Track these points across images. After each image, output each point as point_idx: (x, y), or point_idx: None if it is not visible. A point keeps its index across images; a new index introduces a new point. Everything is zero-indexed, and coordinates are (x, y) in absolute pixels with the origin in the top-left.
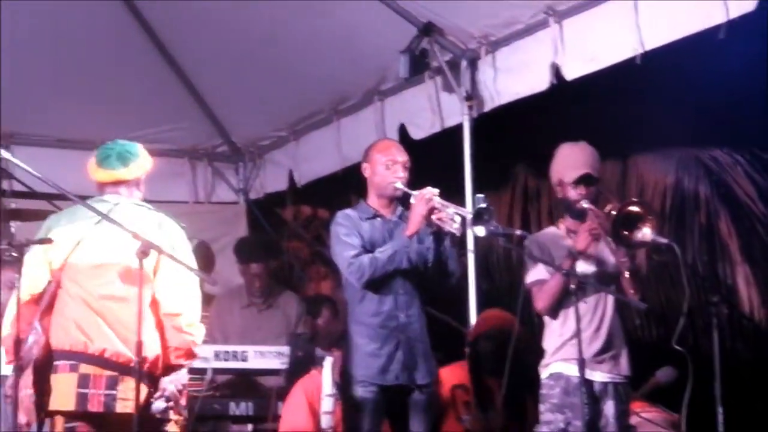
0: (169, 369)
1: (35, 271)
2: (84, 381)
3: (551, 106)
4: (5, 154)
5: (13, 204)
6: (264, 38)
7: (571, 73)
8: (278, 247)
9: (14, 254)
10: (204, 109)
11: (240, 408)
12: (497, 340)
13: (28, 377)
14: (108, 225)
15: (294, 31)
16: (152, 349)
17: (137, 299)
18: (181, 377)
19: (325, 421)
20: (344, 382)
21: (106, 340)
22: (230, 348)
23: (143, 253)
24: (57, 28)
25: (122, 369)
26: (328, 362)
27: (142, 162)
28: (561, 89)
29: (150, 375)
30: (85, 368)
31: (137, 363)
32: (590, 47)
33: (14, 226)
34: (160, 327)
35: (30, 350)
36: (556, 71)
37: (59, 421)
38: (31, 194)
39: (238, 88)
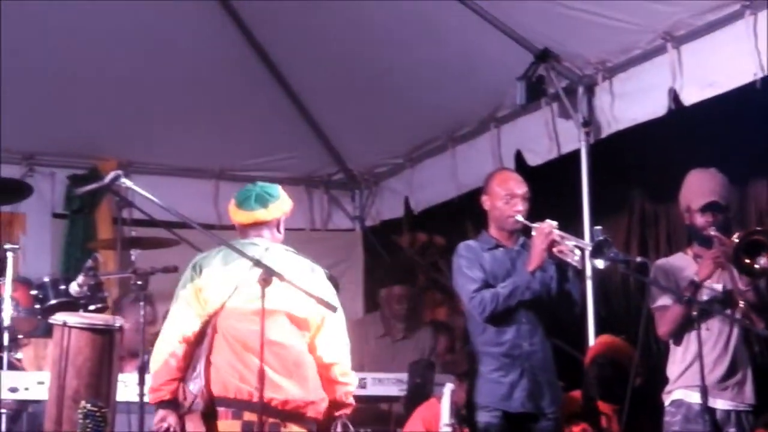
0: (330, 419)
1: (189, 311)
2: (247, 428)
3: (669, 132)
4: (127, 183)
5: (133, 232)
6: (380, 66)
7: (689, 99)
8: (415, 271)
9: (139, 283)
10: (320, 137)
11: None
12: (609, 365)
13: (198, 426)
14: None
15: (410, 59)
16: (315, 395)
17: (299, 345)
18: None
19: None
20: (469, 409)
21: (269, 387)
22: None
23: (265, 281)
24: (174, 59)
25: (285, 416)
26: (448, 390)
27: (281, 203)
28: (679, 115)
29: (312, 421)
30: (248, 416)
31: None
32: (709, 72)
33: (134, 254)
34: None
35: (195, 398)
36: (674, 97)
37: None
38: (151, 222)
39: (354, 116)
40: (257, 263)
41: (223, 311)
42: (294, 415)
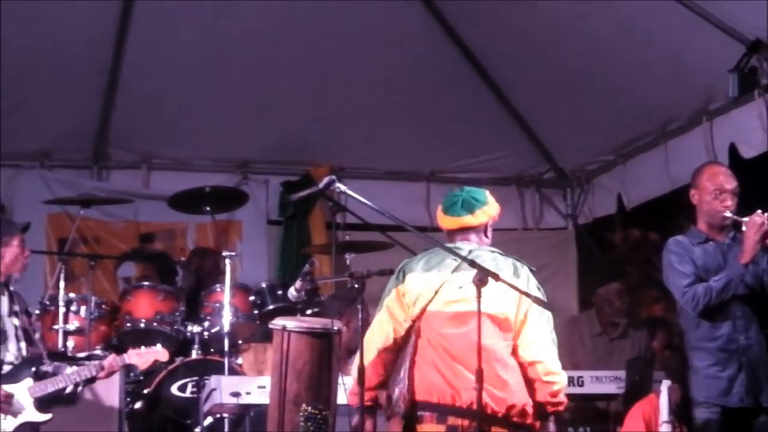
0: (542, 417)
1: (392, 318)
2: None
3: None
4: (342, 187)
5: (347, 236)
6: (588, 62)
7: None
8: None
9: (356, 285)
10: (529, 136)
11: None
12: None
13: (399, 429)
14: (466, 273)
15: (618, 54)
16: (519, 397)
17: (501, 347)
18: None
19: None
20: (687, 405)
21: (473, 391)
22: (566, 373)
23: (480, 282)
24: (380, 62)
25: (490, 419)
26: (665, 387)
27: (488, 208)
28: None
29: (519, 424)
30: (453, 420)
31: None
32: None
33: (349, 257)
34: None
35: (397, 403)
36: None
37: None
38: (364, 226)
39: (563, 113)
40: (472, 264)
41: (425, 315)
42: (497, 419)
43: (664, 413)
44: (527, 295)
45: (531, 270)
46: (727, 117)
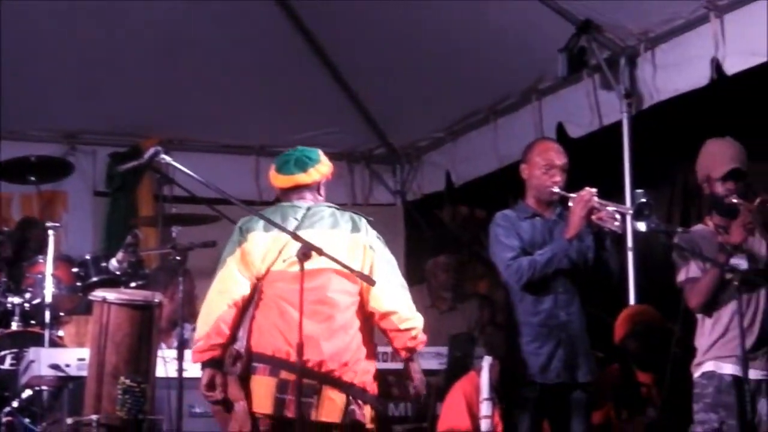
0: (409, 357)
1: (237, 275)
2: (283, 386)
3: (712, 102)
4: (167, 159)
5: (174, 209)
6: (420, 40)
7: (731, 68)
8: (460, 241)
9: (178, 258)
10: (361, 112)
11: (399, 409)
12: (646, 333)
13: (236, 390)
14: (307, 231)
15: (450, 32)
16: (355, 355)
17: (347, 304)
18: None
19: (484, 425)
20: (505, 381)
21: (309, 349)
22: (388, 349)
23: (304, 255)
24: (215, 35)
25: (323, 378)
26: (486, 364)
27: (321, 166)
28: (722, 85)
29: (349, 384)
30: (285, 374)
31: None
32: (751, 41)
33: (175, 230)
34: (368, 330)
35: (234, 363)
36: (717, 66)
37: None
38: (192, 199)
39: (395, 90)
40: (295, 237)
41: (268, 275)
42: (330, 378)
43: (484, 390)
44: (351, 270)
45: (369, 221)
46: (556, 96)
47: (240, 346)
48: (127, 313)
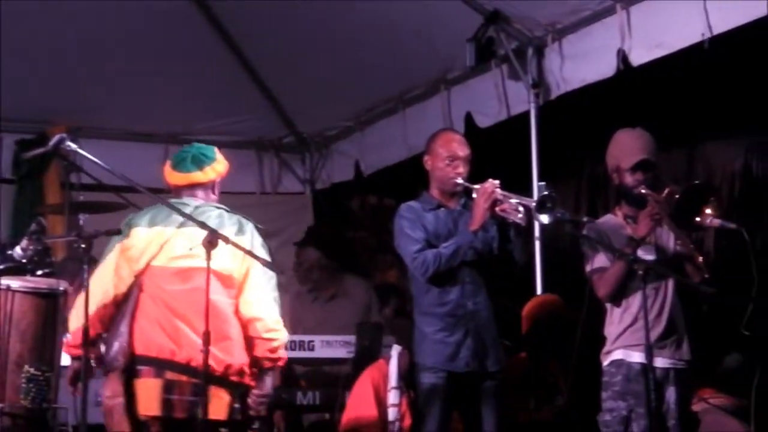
0: (261, 372)
1: (114, 271)
2: (169, 387)
3: (618, 93)
4: (73, 146)
5: (81, 196)
6: (329, 29)
7: (637, 59)
8: (338, 237)
9: (83, 246)
10: (270, 101)
11: (307, 397)
12: (551, 322)
13: (116, 385)
14: (191, 229)
15: (359, 21)
16: (239, 356)
17: (224, 304)
18: (265, 388)
19: (391, 414)
20: (413, 371)
21: (192, 348)
22: (297, 338)
23: (210, 243)
24: (124, 23)
25: (208, 377)
26: (395, 352)
27: (217, 165)
28: (628, 76)
29: (236, 383)
30: (171, 375)
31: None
32: (657, 33)
33: (83, 218)
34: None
35: (116, 357)
36: (623, 57)
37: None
38: (99, 187)
39: (304, 79)
40: (202, 225)
41: (148, 271)
42: (215, 377)
43: (392, 379)
44: (252, 255)
45: (257, 227)
46: (464, 86)
47: (121, 342)
48: (31, 301)
